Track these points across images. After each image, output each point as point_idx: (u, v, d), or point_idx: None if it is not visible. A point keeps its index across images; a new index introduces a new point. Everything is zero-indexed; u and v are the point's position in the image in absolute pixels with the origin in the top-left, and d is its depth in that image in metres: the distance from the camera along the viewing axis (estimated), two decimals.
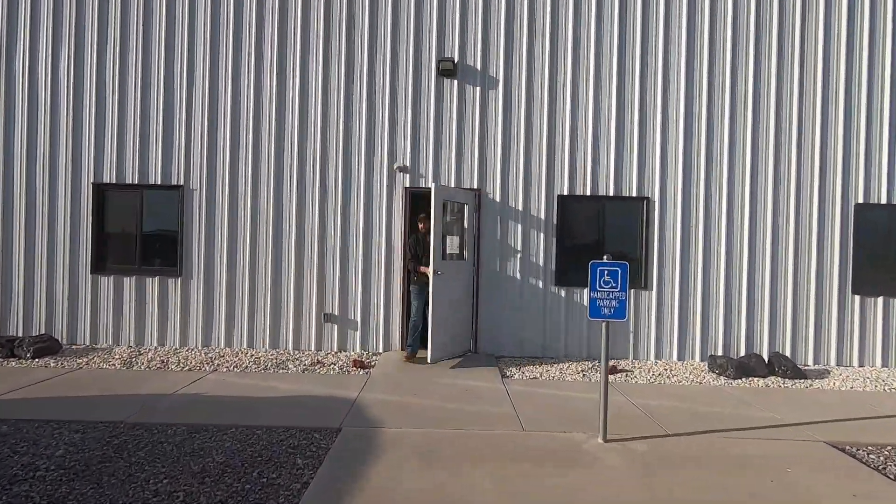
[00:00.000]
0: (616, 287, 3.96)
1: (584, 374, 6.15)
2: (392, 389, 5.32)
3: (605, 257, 4.06)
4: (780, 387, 5.92)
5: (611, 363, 6.53)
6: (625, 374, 6.25)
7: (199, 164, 6.91)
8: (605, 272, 3.96)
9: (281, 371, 6.00)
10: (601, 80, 6.92)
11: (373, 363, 6.38)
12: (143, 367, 6.00)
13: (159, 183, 6.93)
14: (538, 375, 6.07)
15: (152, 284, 6.93)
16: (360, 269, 6.88)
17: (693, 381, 6.05)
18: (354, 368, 6.13)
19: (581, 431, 4.28)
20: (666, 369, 6.47)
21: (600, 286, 3.97)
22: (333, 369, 6.10)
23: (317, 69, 6.90)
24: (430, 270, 6.13)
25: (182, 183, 6.91)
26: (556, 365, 6.54)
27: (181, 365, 6.10)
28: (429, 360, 6.18)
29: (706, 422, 4.60)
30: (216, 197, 6.91)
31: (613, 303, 3.98)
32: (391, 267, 6.89)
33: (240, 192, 6.90)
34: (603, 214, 6.94)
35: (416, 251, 6.43)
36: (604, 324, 4.06)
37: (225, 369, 5.99)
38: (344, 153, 6.90)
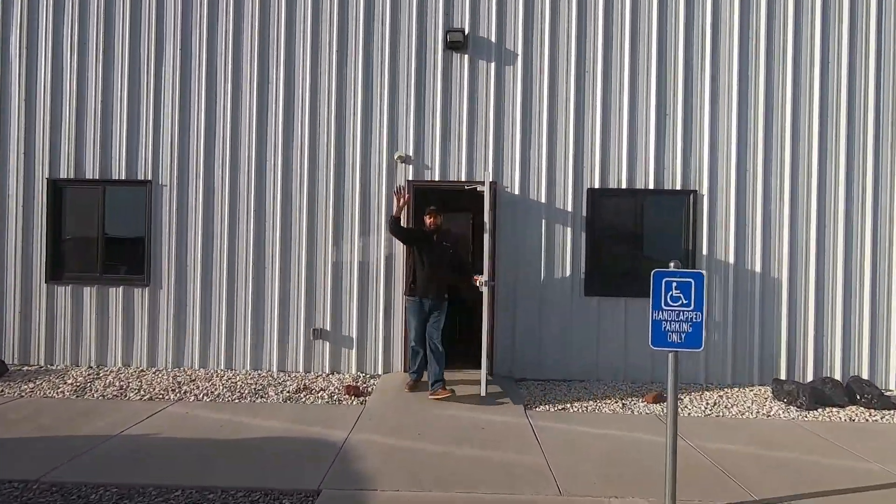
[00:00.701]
0: (689, 305, 2.92)
1: (624, 405, 5.08)
2: (390, 427, 4.30)
3: (671, 265, 3.01)
4: (868, 420, 4.82)
5: (653, 392, 5.46)
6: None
7: (170, 157, 5.95)
8: (674, 285, 2.91)
9: (259, 400, 5.01)
10: (638, 53, 5.87)
11: (370, 389, 5.37)
12: (97, 395, 5.04)
13: (124, 178, 5.99)
14: (568, 405, 5.01)
15: (116, 295, 5.98)
16: (356, 278, 5.88)
17: (758, 412, 4.96)
18: (348, 396, 5.12)
19: (639, 496, 3.22)
20: (721, 397, 5.38)
21: (667, 303, 2.92)
22: (322, 397, 5.09)
23: (304, 43, 5.91)
24: (481, 279, 5.02)
25: (150, 178, 5.96)
26: (588, 389, 5.48)
27: (143, 392, 5.13)
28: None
29: (800, 478, 3.52)
30: (189, 194, 5.95)
31: (685, 326, 2.93)
32: (392, 275, 5.88)
33: (216, 188, 5.94)
34: (641, 211, 5.87)
35: (421, 255, 5.13)
36: (670, 355, 3.00)
37: (193, 398, 5.01)
38: (336, 142, 5.90)
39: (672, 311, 2.92)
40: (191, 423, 4.35)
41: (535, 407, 4.96)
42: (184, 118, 5.94)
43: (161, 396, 5.03)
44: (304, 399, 5.05)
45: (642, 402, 5.15)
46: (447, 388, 4.91)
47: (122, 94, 5.97)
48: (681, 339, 2.93)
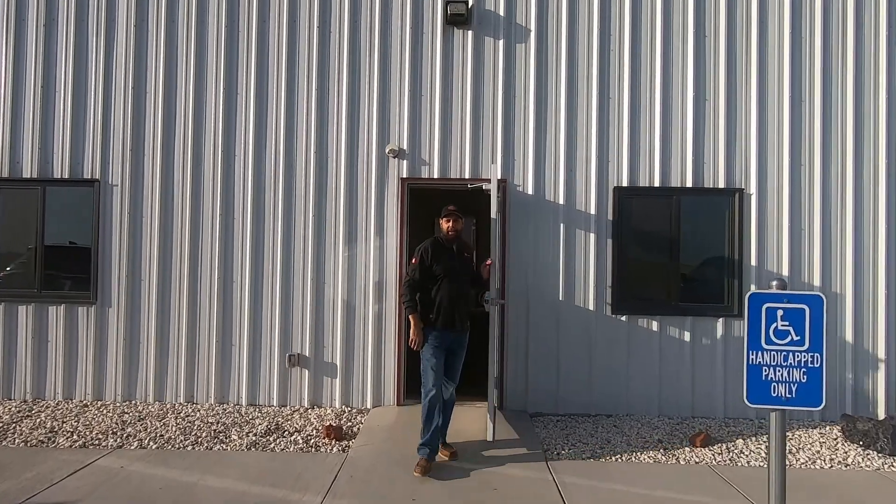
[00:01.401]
0: (801, 343, 2.00)
1: (666, 449, 4.15)
2: (376, 490, 3.36)
3: (772, 284, 2.10)
4: None
5: (700, 433, 4.53)
6: (722, 446, 4.24)
7: (121, 152, 5.06)
8: (780, 314, 2.00)
9: (218, 446, 4.06)
10: (672, 27, 5.00)
11: (355, 429, 4.43)
12: (18, 440, 4.10)
13: (67, 177, 5.08)
14: (597, 450, 4.08)
15: (57, 315, 5.05)
16: (341, 294, 4.97)
17: (832, 458, 4.03)
18: (327, 439, 4.19)
19: None
20: None
21: (771, 340, 2.01)
22: (296, 441, 4.15)
23: (280, 18, 5.04)
24: (488, 297, 4.09)
25: (98, 177, 5.06)
26: (617, 427, 4.55)
27: (77, 436, 4.19)
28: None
29: None
30: (144, 196, 5.05)
31: (797, 374, 2.01)
32: (384, 289, 4.97)
33: (176, 189, 5.04)
34: (677, 214, 4.97)
35: (432, 269, 3.77)
36: (773, 415, 2.08)
37: (136, 443, 4.07)
38: (318, 134, 5.01)
39: (778, 351, 2.00)
40: (121, 484, 3.41)
41: (558, 452, 4.03)
42: (138, 105, 5.05)
43: (97, 442, 4.08)
44: (273, 444, 4.11)
45: (689, 446, 4.22)
46: (448, 446, 3.85)
47: (68, 77, 5.08)
48: (791, 392, 2.02)
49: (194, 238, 5.01)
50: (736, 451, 4.15)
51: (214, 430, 4.33)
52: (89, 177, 5.06)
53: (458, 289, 3.79)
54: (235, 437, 4.20)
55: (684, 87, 4.98)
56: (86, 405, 4.91)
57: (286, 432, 4.33)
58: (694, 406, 4.88)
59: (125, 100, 5.06)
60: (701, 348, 4.90)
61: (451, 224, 3.85)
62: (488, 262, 4.07)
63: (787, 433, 4.49)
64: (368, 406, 4.94)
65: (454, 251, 3.89)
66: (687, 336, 4.90)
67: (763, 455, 4.07)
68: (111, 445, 4.03)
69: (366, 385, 4.96)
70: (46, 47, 5.10)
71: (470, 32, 5.01)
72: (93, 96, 5.08)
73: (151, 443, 4.08)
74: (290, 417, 4.68)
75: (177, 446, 4.04)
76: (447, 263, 3.80)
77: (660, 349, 4.91)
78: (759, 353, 2.04)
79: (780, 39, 4.96)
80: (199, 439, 4.15)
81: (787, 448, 4.20)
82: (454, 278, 3.79)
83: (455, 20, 4.93)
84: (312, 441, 4.17)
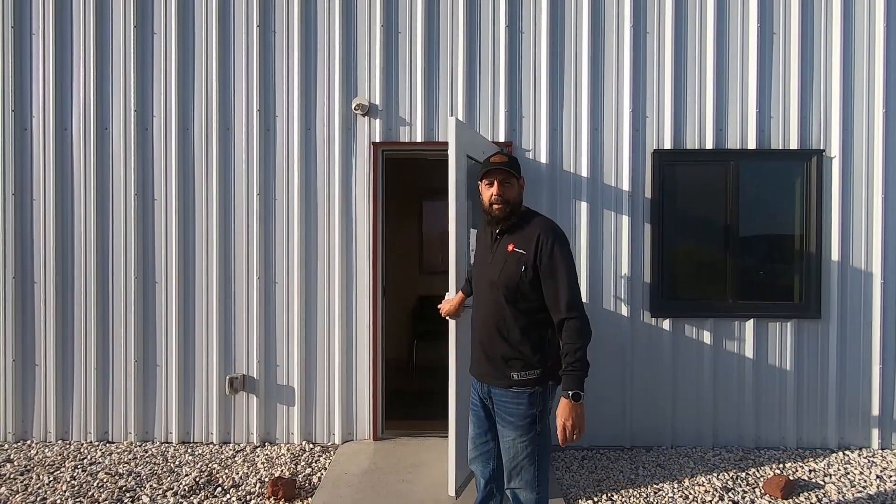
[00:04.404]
0: None
1: (727, 492, 3.04)
2: None
3: None
4: None
5: (779, 475, 3.43)
6: (811, 496, 3.13)
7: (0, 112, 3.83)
8: None
9: None
10: None
11: (315, 479, 3.29)
12: None
13: None
14: (637, 496, 2.97)
15: None
16: (297, 296, 3.79)
17: None
18: (273, 499, 3.05)
19: None
20: (872, 470, 3.34)
21: None
22: (230, 503, 3.02)
23: None
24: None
25: None
26: (661, 465, 3.44)
27: None
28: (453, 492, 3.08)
29: None
30: (32, 175, 3.82)
31: None
32: (352, 289, 3.80)
33: (76, 164, 3.81)
34: (735, 184, 3.80)
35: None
36: None
37: None
38: (262, 86, 3.79)
39: None
40: None
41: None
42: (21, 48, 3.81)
43: None
44: None
45: (767, 497, 3.11)
46: None
47: None
48: None
49: (102, 228, 3.81)
50: (830, 503, 3.05)
51: (121, 488, 3.18)
52: None
53: (487, 305, 2.16)
54: (147, 500, 3.05)
55: (745, 17, 3.78)
56: None
57: (219, 488, 3.18)
58: (758, 434, 3.77)
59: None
60: (766, 360, 3.78)
61: (494, 189, 2.13)
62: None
63: (875, 460, 3.39)
64: (336, 441, 3.80)
65: (498, 237, 2.18)
66: (748, 345, 3.77)
67: (855, 497, 2.96)
68: None
69: (332, 413, 3.81)
70: None
71: None
72: None
73: None
74: (230, 462, 3.53)
75: None
76: (481, 259, 2.28)
77: (713, 361, 3.78)
78: None
79: None
80: (100, 500, 3.00)
81: (880, 483, 3.10)
82: (482, 285, 2.20)
83: None
84: (252, 503, 3.02)
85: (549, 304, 2.04)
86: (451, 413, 2.82)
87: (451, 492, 2.75)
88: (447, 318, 2.68)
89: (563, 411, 1.97)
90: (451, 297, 2.68)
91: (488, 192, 2.16)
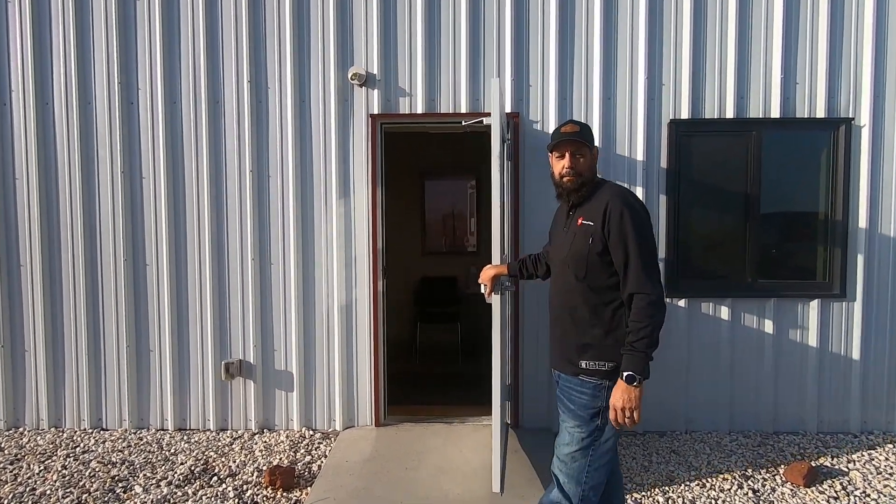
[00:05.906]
0: None
1: (751, 487, 2.89)
2: None
3: None
4: None
5: (801, 462, 3.27)
6: (835, 483, 2.98)
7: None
8: None
9: None
10: None
11: (314, 467, 3.16)
12: None
13: None
14: (659, 496, 2.81)
15: None
16: (294, 278, 3.62)
17: None
18: (270, 489, 2.92)
19: None
20: None
21: None
22: (226, 493, 2.89)
23: None
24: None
25: None
26: (676, 451, 3.29)
27: None
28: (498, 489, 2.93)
29: None
30: (13, 137, 3.64)
31: None
32: (351, 269, 3.62)
33: (59, 139, 3.62)
34: (757, 155, 3.57)
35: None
36: None
37: None
38: (252, 55, 3.57)
39: None
40: None
41: None
42: None
43: None
44: (192, 499, 2.84)
45: (788, 484, 2.96)
46: None
47: None
48: None
49: (89, 208, 3.63)
50: (856, 491, 2.89)
51: (114, 477, 3.06)
52: None
53: (560, 286, 2.01)
54: (140, 490, 2.93)
55: None
56: None
57: (215, 477, 3.06)
58: (777, 418, 3.61)
59: None
60: (787, 340, 3.60)
61: (566, 161, 1.95)
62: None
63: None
64: (337, 427, 3.67)
65: (570, 213, 2.02)
66: (769, 325, 3.59)
67: (887, 487, 2.81)
68: None
69: (333, 399, 3.67)
70: None
71: None
72: None
73: (14, 500, 2.81)
74: (227, 450, 3.41)
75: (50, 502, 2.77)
76: (555, 238, 2.12)
77: (731, 343, 3.61)
78: None
79: None
80: (86, 496, 2.88)
81: None
82: (556, 266, 2.05)
83: None
84: (249, 493, 2.90)
85: (620, 278, 1.86)
86: (494, 403, 2.64)
87: (496, 488, 2.59)
88: (488, 301, 2.50)
89: (616, 392, 1.81)
90: (489, 267, 2.48)
91: (559, 164, 1.98)
